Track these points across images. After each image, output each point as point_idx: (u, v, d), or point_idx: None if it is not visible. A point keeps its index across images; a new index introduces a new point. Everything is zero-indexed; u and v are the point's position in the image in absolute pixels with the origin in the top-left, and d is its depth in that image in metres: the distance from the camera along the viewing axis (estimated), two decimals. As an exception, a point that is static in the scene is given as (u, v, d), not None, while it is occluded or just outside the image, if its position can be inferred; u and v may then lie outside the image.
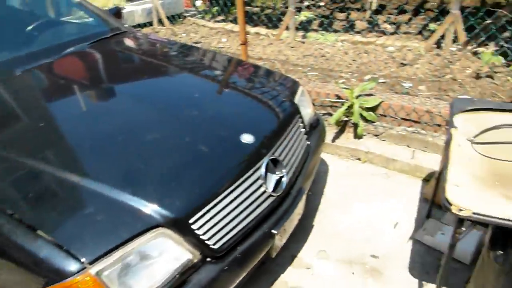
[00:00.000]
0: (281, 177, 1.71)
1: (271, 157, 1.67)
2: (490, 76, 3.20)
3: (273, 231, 1.63)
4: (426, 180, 2.48)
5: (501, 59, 3.12)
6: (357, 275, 1.93)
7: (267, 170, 1.64)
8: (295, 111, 1.99)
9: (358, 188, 2.52)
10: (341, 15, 5.34)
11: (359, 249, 2.07)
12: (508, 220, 1.09)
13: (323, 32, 4.74)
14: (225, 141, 1.65)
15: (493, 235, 1.25)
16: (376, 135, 2.76)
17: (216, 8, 5.85)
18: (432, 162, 2.50)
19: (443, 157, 1.49)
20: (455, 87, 3.06)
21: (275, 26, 4.90)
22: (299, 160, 1.90)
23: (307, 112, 2.16)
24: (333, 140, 2.86)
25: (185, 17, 5.93)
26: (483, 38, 3.65)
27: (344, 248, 2.08)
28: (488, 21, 3.91)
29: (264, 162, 1.63)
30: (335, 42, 4.41)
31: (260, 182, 1.60)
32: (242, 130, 1.69)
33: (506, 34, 3.86)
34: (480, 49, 3.73)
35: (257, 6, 5.93)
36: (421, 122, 2.59)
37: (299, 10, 5.46)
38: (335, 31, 4.74)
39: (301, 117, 2.03)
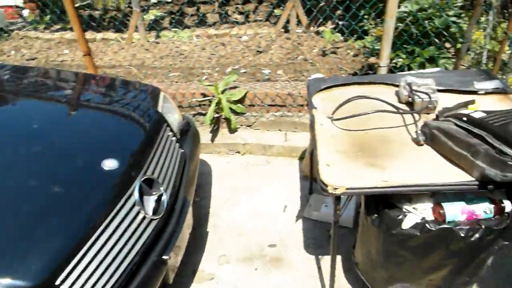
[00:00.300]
0: (160, 195, 1.56)
1: (143, 178, 1.50)
2: (334, 52, 3.56)
3: (164, 256, 1.47)
4: (301, 158, 2.63)
5: (339, 36, 3.49)
6: (260, 270, 1.93)
7: (141, 194, 1.47)
8: (160, 121, 1.83)
9: (243, 180, 2.52)
10: (191, 10, 5.26)
11: (257, 243, 2.07)
12: (375, 187, 1.18)
13: (176, 29, 4.58)
14: (83, 174, 1.40)
15: (366, 202, 1.35)
16: (249, 126, 2.79)
17: (49, 16, 5.11)
18: (303, 141, 2.66)
19: (311, 138, 1.55)
20: (308, 67, 3.30)
21: (123, 29, 4.54)
22: (177, 171, 1.77)
23: (174, 118, 2.02)
24: (211, 139, 2.80)
25: (11, 31, 5.03)
26: (321, 19, 4.03)
27: (243, 246, 2.06)
28: (322, 3, 4.34)
29: (135, 186, 1.44)
30: (190, 38, 4.32)
31: (136, 208, 1.42)
32: (102, 155, 1.47)
33: (339, 12, 4.35)
34: (321, 29, 4.11)
35: (96, 10, 5.40)
36: (286, 105, 2.72)
37: (146, 9, 5.17)
38: (188, 27, 4.64)
39: (168, 125, 1.88)
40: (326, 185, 1.20)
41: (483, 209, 1.20)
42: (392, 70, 2.52)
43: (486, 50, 2.66)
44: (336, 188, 1.18)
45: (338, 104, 1.68)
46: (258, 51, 3.73)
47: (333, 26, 4.10)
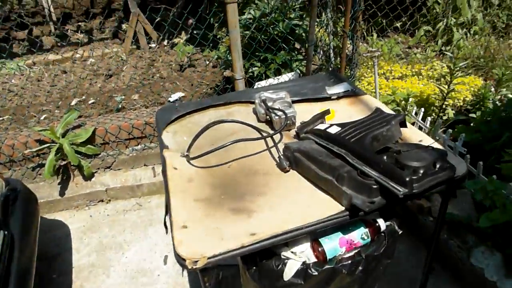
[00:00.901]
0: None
1: None
2: (193, 65, 3.34)
3: None
4: (176, 191, 2.34)
5: (192, 48, 3.29)
6: None
7: None
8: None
9: (112, 235, 2.12)
10: (22, 34, 4.43)
11: (138, 311, 1.73)
12: (242, 247, 0.97)
13: (3, 60, 3.78)
14: None
15: (242, 257, 1.15)
16: (108, 167, 2.38)
17: None
18: (174, 171, 2.37)
19: (165, 190, 1.28)
20: (167, 85, 3.01)
21: None
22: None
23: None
24: (61, 193, 2.29)
25: None
26: (174, 32, 3.76)
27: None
28: (172, 15, 4.08)
29: None
30: (22, 70, 3.60)
31: None
32: None
33: (191, 21, 4.14)
34: (176, 40, 3.86)
35: None
36: (147, 136, 2.39)
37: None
38: (18, 55, 3.88)
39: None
40: (184, 259, 0.95)
41: (360, 236, 1.11)
42: (250, 80, 2.42)
43: (331, 47, 2.77)
44: (196, 261, 0.94)
45: (194, 137, 1.45)
46: (108, 75, 3.28)
47: (188, 36, 3.89)
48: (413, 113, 2.37)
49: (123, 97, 2.76)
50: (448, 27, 3.53)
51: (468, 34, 3.53)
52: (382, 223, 1.15)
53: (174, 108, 1.67)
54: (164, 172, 1.30)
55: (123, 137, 2.34)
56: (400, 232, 1.21)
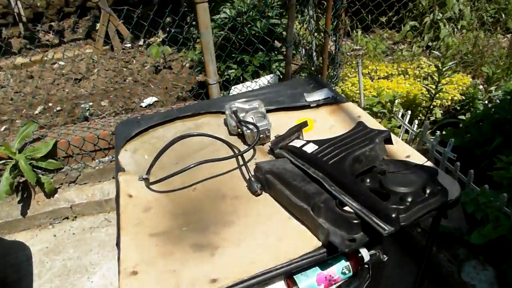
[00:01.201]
0: None
1: None
2: (169, 67, 3.16)
3: None
4: (149, 205, 2.17)
5: (169, 48, 3.10)
6: None
7: None
8: None
9: (78, 256, 1.94)
10: (-13, 36, 4.18)
11: None
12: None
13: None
14: None
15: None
16: (72, 182, 2.19)
17: None
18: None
19: (117, 224, 1.11)
20: (140, 89, 2.83)
21: None
22: None
23: None
24: (22, 212, 2.10)
25: None
26: (150, 30, 3.56)
27: None
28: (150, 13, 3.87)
29: None
30: (-15, 75, 3.36)
31: None
32: None
33: (169, 19, 3.94)
34: (153, 39, 3.66)
35: None
36: (114, 147, 2.20)
37: None
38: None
39: None
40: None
41: (341, 270, 0.96)
42: (226, 84, 2.25)
43: (314, 46, 2.62)
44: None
45: (155, 156, 1.28)
46: (77, 79, 3.07)
47: (165, 35, 3.69)
48: (400, 116, 2.24)
49: (91, 103, 2.57)
50: (435, 22, 3.41)
51: (456, 29, 3.41)
52: (365, 254, 1.00)
53: (135, 122, 1.50)
54: (117, 201, 1.13)
55: (88, 149, 2.16)
56: (386, 259, 1.07)
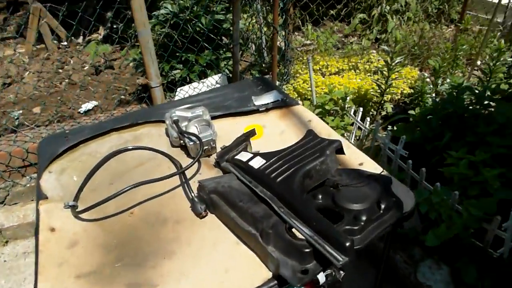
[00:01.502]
0: None
1: None
2: (111, 67, 2.93)
3: None
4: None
5: (108, 47, 2.86)
6: None
7: None
8: None
9: (12, 285, 1.72)
10: None
11: None
12: None
13: None
14: None
15: None
16: (1, 203, 1.95)
17: None
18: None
19: (35, 264, 0.95)
20: (78, 93, 2.58)
21: None
22: None
23: None
24: None
25: None
26: (89, 27, 3.28)
27: None
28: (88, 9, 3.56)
29: None
30: None
31: None
32: None
33: (109, 14, 3.66)
34: (94, 36, 3.38)
35: None
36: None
37: None
38: None
39: None
40: None
41: (295, 298, 0.88)
42: (171, 86, 2.09)
43: (264, 41, 2.52)
44: None
45: (85, 177, 1.12)
46: (5, 84, 2.75)
47: (106, 32, 3.43)
48: (352, 113, 2.21)
49: (20, 111, 2.30)
50: (383, 15, 3.44)
51: (403, 22, 3.47)
52: (321, 277, 0.92)
53: (63, 137, 1.32)
54: (36, 237, 0.97)
55: (16, 164, 1.92)
56: (343, 276, 1.01)
